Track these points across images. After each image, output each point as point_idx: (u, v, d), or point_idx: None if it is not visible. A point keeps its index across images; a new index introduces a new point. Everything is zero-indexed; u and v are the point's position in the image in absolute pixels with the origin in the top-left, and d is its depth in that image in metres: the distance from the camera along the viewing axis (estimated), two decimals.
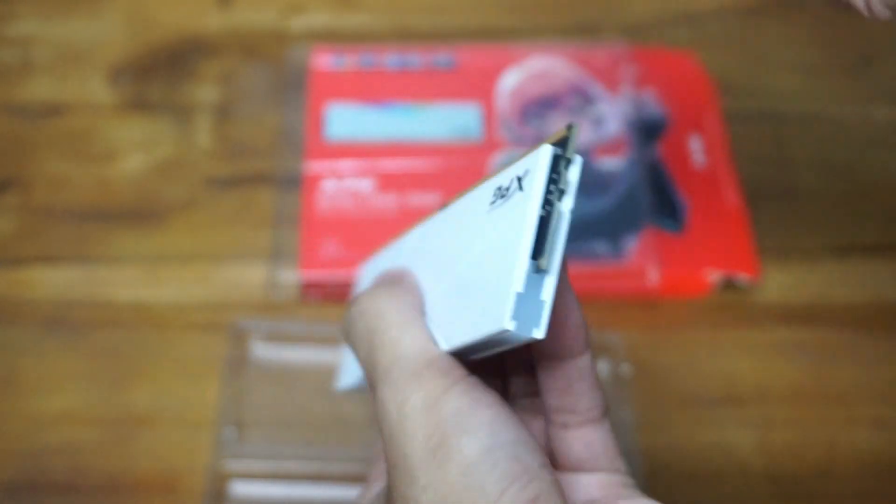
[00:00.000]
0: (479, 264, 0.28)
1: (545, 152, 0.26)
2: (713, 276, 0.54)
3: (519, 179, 0.27)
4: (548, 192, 0.26)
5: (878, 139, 0.60)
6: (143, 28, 0.64)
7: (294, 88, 0.60)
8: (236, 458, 0.48)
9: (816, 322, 0.53)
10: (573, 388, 0.30)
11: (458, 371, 0.29)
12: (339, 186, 0.56)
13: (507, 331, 0.26)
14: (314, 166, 0.57)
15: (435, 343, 0.30)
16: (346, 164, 0.57)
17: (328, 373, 0.51)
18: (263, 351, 0.51)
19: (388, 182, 0.56)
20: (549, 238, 0.26)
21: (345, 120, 0.59)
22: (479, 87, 0.60)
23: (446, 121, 0.59)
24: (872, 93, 0.62)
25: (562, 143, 0.26)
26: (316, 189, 0.56)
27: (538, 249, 0.26)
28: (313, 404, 0.50)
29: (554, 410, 0.31)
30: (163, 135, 0.59)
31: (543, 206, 0.26)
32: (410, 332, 0.30)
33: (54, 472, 0.48)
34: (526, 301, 0.26)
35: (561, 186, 0.26)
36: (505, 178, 0.28)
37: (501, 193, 0.28)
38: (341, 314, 0.53)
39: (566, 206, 0.26)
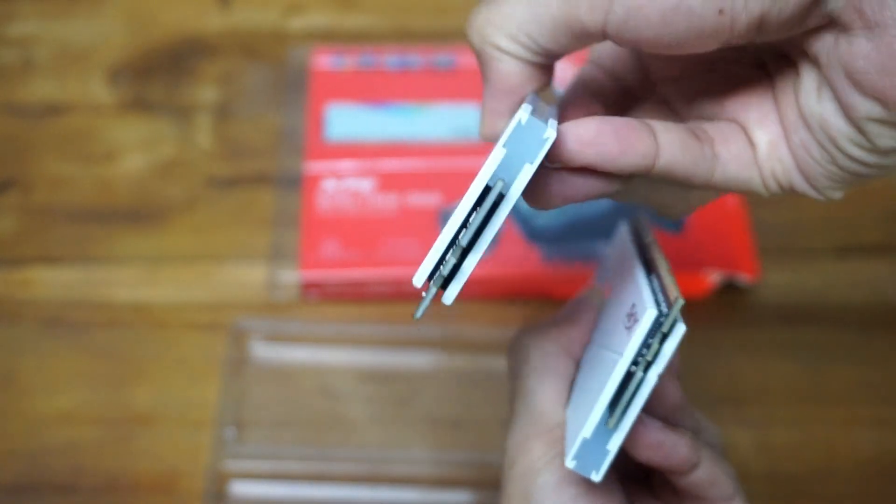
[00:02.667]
0: (591, 386, 0.31)
1: (649, 316, 0.29)
2: (713, 276, 0.54)
3: (635, 322, 0.30)
4: (641, 353, 0.29)
5: None
6: (143, 28, 0.64)
7: (294, 89, 0.60)
8: (236, 458, 0.48)
9: (816, 322, 0.53)
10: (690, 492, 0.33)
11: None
12: (340, 186, 0.56)
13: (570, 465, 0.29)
14: (314, 166, 0.57)
15: (564, 402, 0.33)
16: (346, 165, 0.57)
17: (328, 373, 0.51)
18: (263, 351, 0.51)
19: (388, 182, 0.56)
20: (626, 399, 0.29)
21: (345, 120, 0.59)
22: (479, 88, 0.60)
23: (446, 121, 0.59)
24: None
25: (667, 308, 0.30)
26: (316, 189, 0.56)
27: (614, 407, 0.29)
28: (313, 404, 0.50)
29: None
30: (163, 135, 0.59)
31: (634, 364, 0.29)
32: (545, 387, 0.33)
33: (54, 472, 0.48)
34: (592, 447, 0.29)
35: (655, 351, 0.29)
36: (639, 302, 0.31)
37: (630, 317, 0.31)
38: (341, 314, 0.53)
39: (653, 373, 0.29)
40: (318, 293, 0.54)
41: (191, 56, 0.63)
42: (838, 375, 0.52)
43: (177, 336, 0.52)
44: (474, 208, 0.26)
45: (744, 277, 0.54)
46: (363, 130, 0.58)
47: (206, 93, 0.61)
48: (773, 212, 0.58)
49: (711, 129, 0.30)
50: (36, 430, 0.49)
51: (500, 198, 0.26)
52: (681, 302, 0.29)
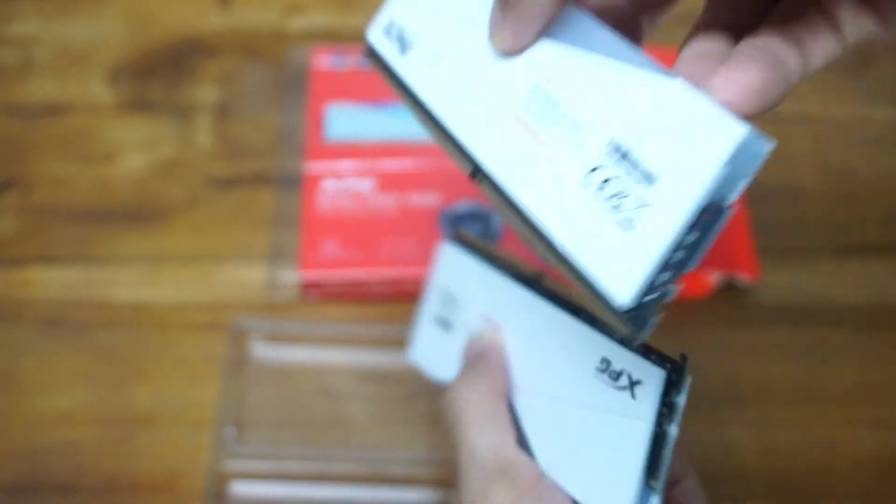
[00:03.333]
0: (597, 442, 0.31)
1: (658, 376, 0.30)
2: (714, 277, 0.54)
3: (631, 384, 0.30)
4: (659, 412, 0.30)
5: (878, 139, 0.60)
6: (143, 28, 0.64)
7: (294, 89, 0.60)
8: (236, 458, 0.48)
9: (816, 322, 0.53)
10: None
11: (528, 476, 0.31)
12: (340, 186, 0.56)
13: None
14: (314, 166, 0.57)
15: (511, 441, 0.32)
16: (346, 165, 0.57)
17: (328, 373, 0.51)
18: (263, 351, 0.51)
19: (388, 182, 0.56)
20: (661, 460, 0.29)
21: (345, 120, 0.59)
22: None
23: None
24: (872, 93, 0.62)
25: (675, 368, 0.30)
26: (316, 189, 0.56)
27: (650, 471, 0.29)
28: (313, 404, 0.50)
29: None
30: (163, 135, 0.59)
31: (655, 425, 0.30)
32: (487, 433, 0.32)
33: (54, 472, 0.48)
34: None
35: (669, 407, 0.30)
36: (617, 359, 0.31)
37: (611, 374, 0.31)
38: (341, 314, 0.53)
39: (674, 429, 0.29)
40: (318, 293, 0.54)
41: (191, 56, 0.63)
42: (838, 376, 0.52)
43: (177, 336, 0.52)
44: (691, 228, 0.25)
45: (744, 278, 0.54)
46: (363, 130, 0.58)
47: (206, 93, 0.61)
48: (774, 212, 0.58)
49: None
50: (36, 429, 0.49)
51: (719, 211, 0.26)
52: (690, 358, 0.30)
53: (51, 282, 0.54)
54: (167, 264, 0.55)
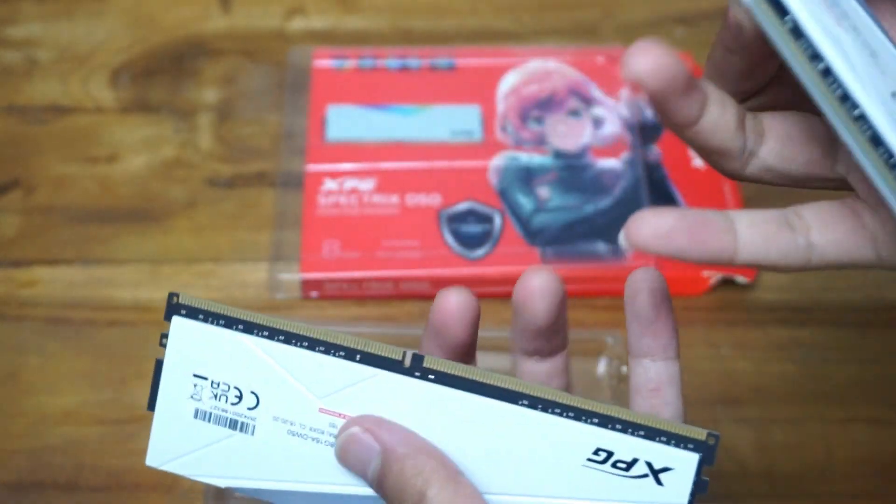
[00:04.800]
0: None
1: (691, 461, 0.29)
2: (711, 276, 0.54)
3: (654, 471, 0.30)
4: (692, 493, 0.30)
5: None
6: (145, 30, 0.64)
7: (295, 90, 0.61)
8: None
9: (814, 321, 0.54)
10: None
11: None
12: (340, 187, 0.56)
13: None
14: (315, 167, 0.57)
15: None
16: (346, 165, 0.57)
17: None
18: None
19: (389, 183, 0.56)
20: None
21: (345, 121, 0.59)
22: (478, 89, 0.61)
23: (446, 122, 0.59)
24: None
25: (703, 449, 0.30)
26: (317, 190, 0.56)
27: None
28: None
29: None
30: (165, 136, 0.60)
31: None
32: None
33: (56, 471, 0.48)
34: None
35: (698, 485, 0.30)
36: (622, 448, 0.30)
37: (617, 464, 0.30)
38: (342, 314, 0.53)
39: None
40: (318, 293, 0.54)
41: (192, 57, 0.63)
42: (836, 375, 0.52)
43: None
44: None
45: (741, 277, 0.54)
46: (364, 131, 0.59)
47: (207, 94, 0.62)
48: None
49: (810, 213, 0.31)
50: (38, 428, 0.49)
51: None
52: (717, 434, 0.30)
53: (53, 281, 0.54)
54: (169, 264, 0.55)
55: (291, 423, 0.32)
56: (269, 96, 0.61)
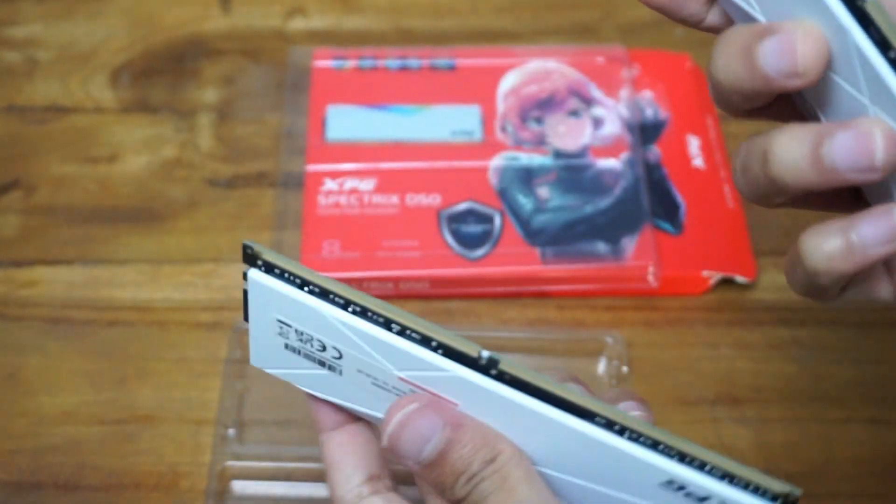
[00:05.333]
0: None
1: None
2: (711, 276, 0.54)
3: None
4: None
5: None
6: (145, 30, 0.64)
7: (295, 90, 0.61)
8: (237, 457, 0.48)
9: (813, 322, 0.54)
10: None
11: None
12: (341, 187, 0.56)
13: None
14: (315, 167, 0.57)
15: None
16: (347, 166, 0.57)
17: None
18: None
19: (389, 183, 0.57)
20: None
21: (346, 121, 0.59)
22: (478, 89, 0.61)
23: (446, 122, 0.59)
24: None
25: (783, 501, 0.29)
26: (317, 190, 0.56)
27: None
28: None
29: None
30: (165, 136, 0.60)
31: None
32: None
33: (57, 470, 0.48)
34: None
35: None
36: (692, 483, 0.29)
37: (691, 496, 0.30)
38: None
39: None
40: None
41: (192, 57, 0.63)
42: (835, 375, 0.52)
43: (179, 336, 0.52)
44: None
45: (741, 277, 0.54)
46: (364, 131, 0.59)
47: (207, 94, 0.62)
48: (771, 213, 0.58)
49: None
50: (38, 428, 0.49)
51: None
52: (798, 492, 0.29)
53: (53, 281, 0.54)
54: (169, 264, 0.55)
55: (375, 378, 0.32)
56: (269, 96, 0.62)
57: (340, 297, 0.31)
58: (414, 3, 0.67)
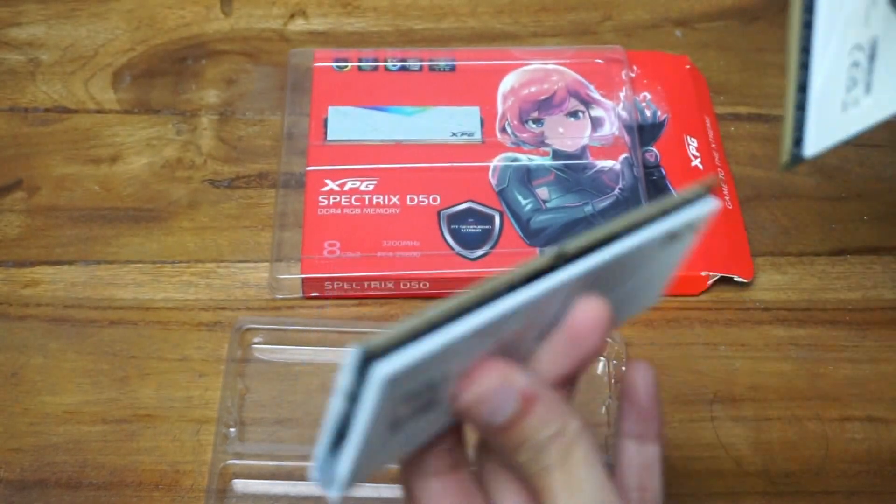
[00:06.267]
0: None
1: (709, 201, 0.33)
2: (709, 276, 0.54)
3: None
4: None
5: (873, 140, 0.61)
6: (147, 31, 0.65)
7: (296, 91, 0.61)
8: (238, 456, 0.48)
9: (811, 321, 0.54)
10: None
11: None
12: (341, 188, 0.57)
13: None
14: (316, 168, 0.57)
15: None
16: (347, 166, 0.57)
17: (330, 371, 0.51)
18: (266, 350, 0.52)
19: (389, 183, 0.57)
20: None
21: (346, 122, 0.59)
22: (478, 90, 0.61)
23: (446, 123, 0.59)
24: None
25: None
26: (318, 190, 0.56)
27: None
28: (315, 402, 0.50)
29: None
30: (166, 137, 0.60)
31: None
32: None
33: (59, 469, 0.48)
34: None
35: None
36: (659, 233, 0.33)
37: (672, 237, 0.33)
38: (343, 313, 0.54)
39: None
40: (319, 293, 0.54)
41: (194, 59, 0.64)
42: (832, 374, 0.52)
43: (180, 335, 0.52)
44: None
45: (739, 278, 0.55)
46: (364, 132, 0.59)
47: (208, 95, 0.62)
48: (768, 213, 0.58)
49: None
50: (40, 427, 0.49)
51: None
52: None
53: (56, 281, 0.54)
54: (170, 264, 0.55)
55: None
56: (270, 97, 0.62)
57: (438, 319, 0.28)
58: (414, 4, 0.67)
